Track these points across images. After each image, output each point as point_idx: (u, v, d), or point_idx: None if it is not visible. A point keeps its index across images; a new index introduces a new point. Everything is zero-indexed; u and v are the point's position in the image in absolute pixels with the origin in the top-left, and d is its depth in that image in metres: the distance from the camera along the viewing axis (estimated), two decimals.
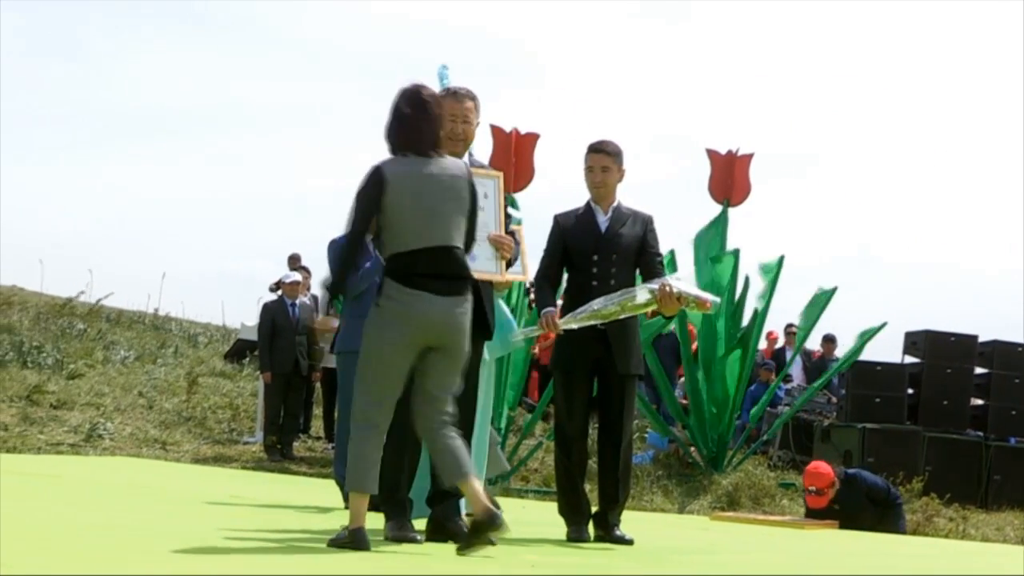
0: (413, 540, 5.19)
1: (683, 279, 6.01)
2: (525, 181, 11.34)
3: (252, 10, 35.37)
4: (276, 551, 4.73)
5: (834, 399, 14.11)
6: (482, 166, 5.98)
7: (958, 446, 12.56)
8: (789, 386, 14.47)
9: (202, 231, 33.65)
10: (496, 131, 11.30)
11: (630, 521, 6.29)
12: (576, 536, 6.04)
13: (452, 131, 5.51)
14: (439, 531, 5.37)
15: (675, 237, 12.47)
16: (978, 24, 33.03)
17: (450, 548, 4.97)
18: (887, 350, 13.70)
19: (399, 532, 5.24)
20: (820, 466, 9.81)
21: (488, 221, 5.47)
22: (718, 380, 12.25)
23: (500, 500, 8.37)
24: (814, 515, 9.53)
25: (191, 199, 33.41)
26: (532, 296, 9.13)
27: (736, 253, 12.21)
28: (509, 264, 5.60)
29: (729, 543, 7.34)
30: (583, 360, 6.05)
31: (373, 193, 4.86)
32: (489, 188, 5.54)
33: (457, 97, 5.57)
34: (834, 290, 12.54)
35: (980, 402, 13.24)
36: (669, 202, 24.37)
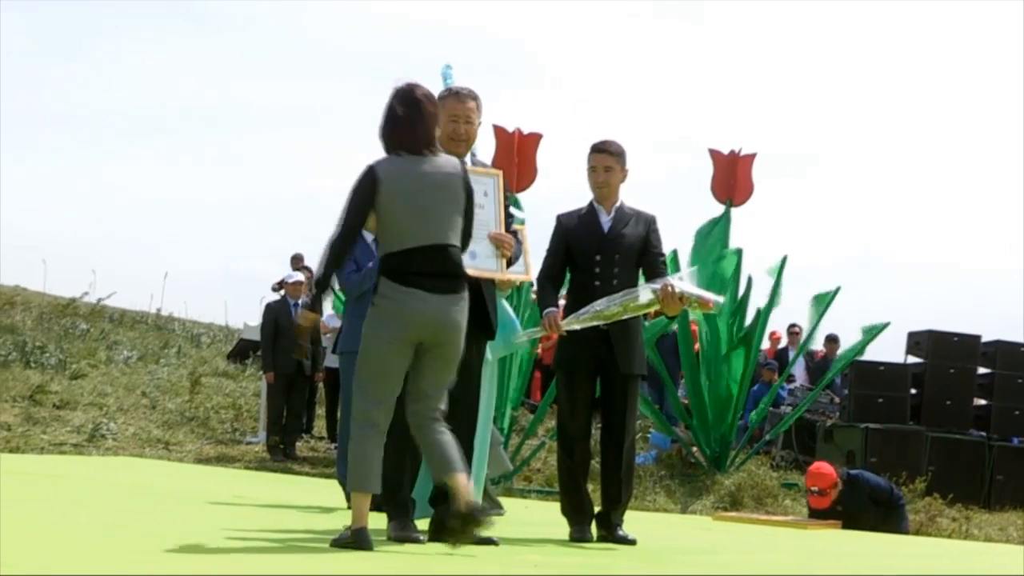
0: (416, 540, 5.19)
1: (685, 279, 6.00)
2: (528, 181, 11.34)
3: (252, 10, 35.42)
4: (279, 551, 4.74)
5: (837, 399, 14.10)
6: (484, 166, 5.97)
7: (961, 446, 12.55)
8: (792, 386, 14.46)
9: (203, 231, 33.74)
10: (499, 131, 11.30)
11: (633, 521, 6.29)
12: (579, 536, 6.03)
13: (454, 131, 5.51)
14: (442, 531, 5.37)
15: (678, 237, 12.48)
16: (978, 24, 33.03)
17: (453, 549, 4.97)
18: (890, 350, 13.71)
19: (402, 532, 5.23)
20: (822, 467, 9.81)
21: (488, 219, 5.47)
22: (721, 380, 12.25)
23: (503, 500, 8.40)
24: (817, 516, 9.52)
25: (192, 199, 33.49)
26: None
27: (739, 253, 12.21)
28: (510, 263, 5.59)
29: (732, 543, 7.34)
30: (585, 360, 6.05)
31: (366, 192, 4.88)
32: (489, 186, 5.54)
33: (459, 97, 5.56)
34: (837, 290, 12.53)
35: (983, 402, 13.23)
36: (672, 202, 24.36)
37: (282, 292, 13.02)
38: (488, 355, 5.88)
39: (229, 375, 15.56)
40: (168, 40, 33.96)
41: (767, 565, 5.98)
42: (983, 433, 12.88)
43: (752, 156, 12.31)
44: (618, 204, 6.15)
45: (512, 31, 35.94)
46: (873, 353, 12.92)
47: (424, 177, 4.90)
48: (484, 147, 10.35)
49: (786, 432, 13.21)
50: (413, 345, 4.86)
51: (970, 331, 13.24)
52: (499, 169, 5.86)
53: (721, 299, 6.29)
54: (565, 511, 6.18)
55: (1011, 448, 12.74)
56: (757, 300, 12.42)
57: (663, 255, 6.22)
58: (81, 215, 33.97)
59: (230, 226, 34.33)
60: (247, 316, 18.12)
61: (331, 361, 11.76)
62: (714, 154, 12.27)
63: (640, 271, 6.14)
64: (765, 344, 14.57)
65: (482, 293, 5.46)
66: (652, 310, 5.97)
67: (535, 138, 11.44)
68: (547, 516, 7.36)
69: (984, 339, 13.22)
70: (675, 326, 12.60)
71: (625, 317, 5.84)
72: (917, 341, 13.21)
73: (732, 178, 12.22)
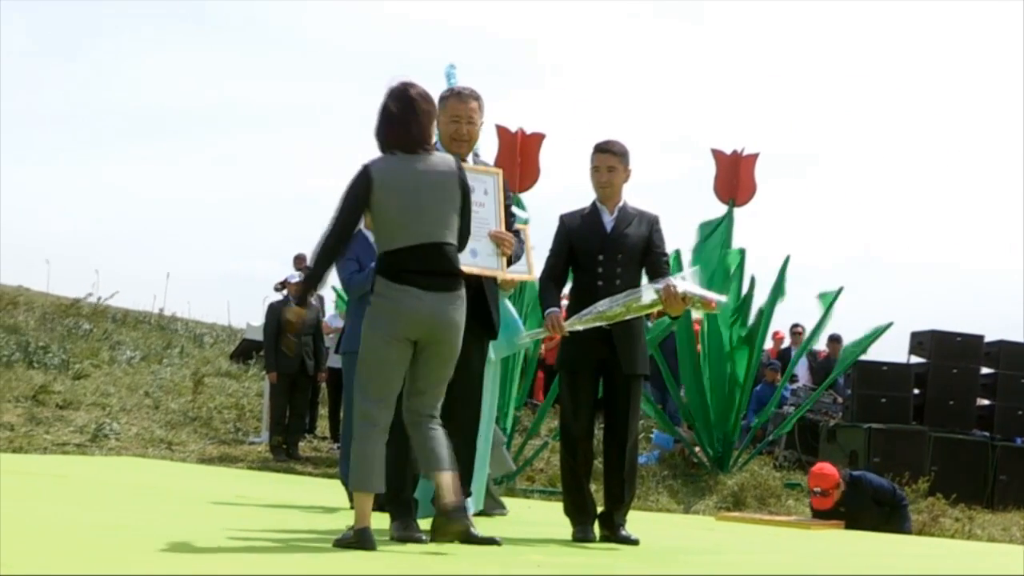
0: (418, 540, 5.19)
1: (688, 279, 5.99)
2: (530, 181, 11.33)
3: (252, 10, 35.45)
4: (281, 551, 4.74)
5: (840, 399, 14.09)
6: (485, 165, 5.97)
7: (964, 446, 12.53)
8: (795, 386, 14.45)
9: (204, 231, 33.78)
10: (501, 131, 11.29)
11: (636, 521, 6.29)
12: (581, 536, 6.03)
13: (456, 132, 5.51)
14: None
15: (681, 237, 12.46)
16: (978, 24, 33.01)
17: (456, 549, 4.97)
18: (893, 350, 13.71)
19: (404, 532, 5.24)
20: (825, 467, 9.80)
21: (489, 218, 5.47)
22: (724, 380, 12.24)
23: (505, 500, 8.41)
24: (819, 516, 9.52)
25: (192, 199, 33.54)
26: None
27: (742, 253, 12.20)
28: (511, 261, 5.59)
29: (735, 543, 7.33)
30: (588, 360, 6.04)
31: (359, 192, 4.90)
32: (489, 185, 5.53)
33: (461, 98, 5.56)
34: (840, 290, 12.52)
35: (986, 402, 13.21)
36: (675, 202, 24.37)
37: (285, 292, 13.03)
38: (491, 355, 5.88)
39: (232, 375, 15.57)
40: (168, 40, 34.01)
41: (770, 565, 5.98)
42: (986, 433, 12.86)
43: (755, 156, 12.30)
44: (621, 204, 6.15)
45: (513, 31, 35.97)
46: (876, 353, 12.91)
47: (418, 176, 4.91)
48: (487, 147, 10.36)
49: (789, 432, 13.20)
50: (410, 343, 4.87)
51: (973, 331, 13.23)
52: (501, 169, 5.85)
53: (724, 299, 6.28)
54: (568, 511, 6.18)
55: (1014, 448, 12.72)
56: (760, 300, 12.42)
57: (666, 255, 6.21)
58: (82, 215, 34.06)
59: (231, 226, 34.40)
60: (250, 316, 18.15)
61: (334, 361, 11.78)
62: (717, 154, 12.26)
63: (643, 271, 6.14)
64: (768, 344, 14.57)
65: (484, 293, 5.46)
66: (655, 310, 5.97)
67: (538, 138, 11.43)
68: (550, 516, 7.36)
69: (987, 339, 13.20)
70: (675, 327, 12.60)
71: (628, 317, 5.83)
72: (920, 341, 13.20)
73: (735, 178, 12.21)
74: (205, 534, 4.97)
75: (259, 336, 13.79)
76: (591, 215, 6.15)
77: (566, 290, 6.41)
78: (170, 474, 9.80)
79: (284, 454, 11.89)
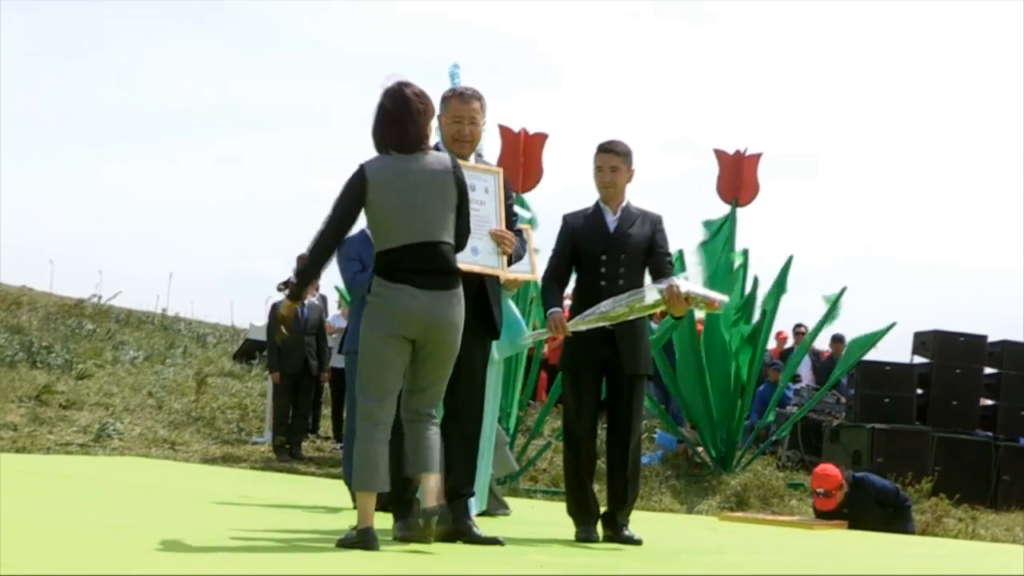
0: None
1: (691, 279, 6.00)
2: (533, 181, 11.33)
3: (252, 10, 35.48)
4: (284, 551, 4.74)
5: (843, 399, 14.08)
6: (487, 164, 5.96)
7: (967, 446, 12.52)
8: (798, 386, 14.44)
9: (206, 231, 33.79)
10: (504, 131, 11.29)
11: (639, 521, 6.29)
12: (584, 536, 6.03)
13: (459, 132, 5.51)
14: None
15: (684, 237, 12.45)
16: (978, 24, 32.99)
17: (458, 548, 4.97)
18: (896, 350, 13.67)
19: (407, 532, 5.23)
20: (828, 468, 9.79)
21: (489, 216, 5.47)
22: (727, 380, 12.23)
23: (509, 500, 8.40)
24: (822, 517, 9.51)
25: (193, 199, 33.56)
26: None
27: (745, 253, 12.19)
28: (512, 260, 5.59)
29: (738, 543, 7.33)
30: (591, 360, 6.04)
31: (355, 191, 4.92)
32: (490, 183, 5.53)
33: (463, 98, 5.56)
34: (843, 291, 12.50)
35: (989, 402, 13.20)
36: (675, 203, 24.35)
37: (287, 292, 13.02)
38: (494, 354, 5.88)
39: (235, 375, 15.57)
40: (168, 40, 34.02)
41: (773, 565, 5.98)
42: (989, 433, 12.85)
43: (758, 156, 12.28)
44: (624, 204, 6.15)
45: (514, 30, 35.97)
46: (879, 353, 12.89)
47: (413, 175, 4.92)
48: (490, 147, 10.36)
49: (792, 432, 13.19)
50: (408, 342, 4.89)
51: (976, 331, 13.22)
52: (504, 168, 5.85)
53: (727, 299, 6.27)
54: (571, 511, 6.18)
55: (1018, 448, 12.70)
56: (763, 300, 12.39)
57: (669, 255, 6.21)
58: (82, 215, 34.09)
59: (231, 226, 34.42)
60: (253, 316, 18.14)
61: (337, 361, 11.77)
62: (720, 154, 12.25)
63: (646, 271, 6.14)
64: (771, 344, 14.55)
65: (487, 292, 5.46)
66: (658, 310, 5.97)
67: (541, 138, 11.43)
68: (553, 516, 7.36)
69: (990, 339, 13.19)
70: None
71: (631, 317, 5.83)
72: (923, 341, 13.19)
73: (738, 178, 12.20)
74: (208, 534, 4.98)
75: (262, 336, 13.79)
76: (594, 215, 6.14)
77: (569, 290, 6.42)
78: (173, 474, 9.80)
79: (287, 454, 11.89)
